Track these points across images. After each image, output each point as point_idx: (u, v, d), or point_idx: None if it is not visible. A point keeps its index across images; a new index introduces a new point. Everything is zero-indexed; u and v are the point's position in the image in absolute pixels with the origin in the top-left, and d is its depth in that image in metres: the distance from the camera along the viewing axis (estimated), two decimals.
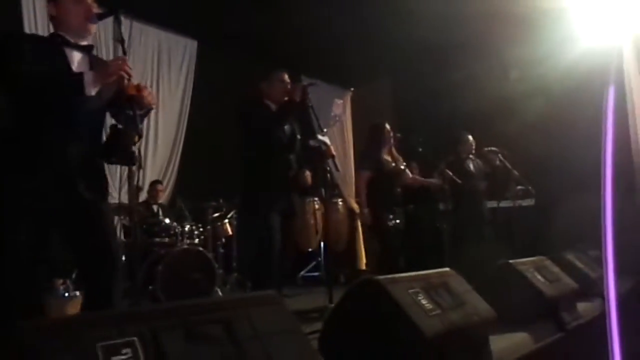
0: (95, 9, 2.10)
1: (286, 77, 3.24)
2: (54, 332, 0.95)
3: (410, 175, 4.41)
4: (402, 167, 4.29)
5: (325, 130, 3.21)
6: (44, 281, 3.18)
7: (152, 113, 5.21)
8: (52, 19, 2.11)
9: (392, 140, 4.24)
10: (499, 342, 2.12)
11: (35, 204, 1.91)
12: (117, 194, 2.85)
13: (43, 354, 0.90)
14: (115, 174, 4.24)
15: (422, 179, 4.55)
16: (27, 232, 1.91)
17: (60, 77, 1.95)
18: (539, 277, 2.80)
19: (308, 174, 3.31)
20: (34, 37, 2.19)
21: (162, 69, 5.81)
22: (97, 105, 2.04)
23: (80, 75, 1.92)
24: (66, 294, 3.43)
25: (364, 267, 7.16)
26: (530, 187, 5.12)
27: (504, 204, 5.35)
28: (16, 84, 1.93)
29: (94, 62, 2.14)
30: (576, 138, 4.44)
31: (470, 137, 4.94)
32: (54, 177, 1.95)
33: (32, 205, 1.91)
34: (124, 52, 2.01)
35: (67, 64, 2.03)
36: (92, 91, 1.92)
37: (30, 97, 1.93)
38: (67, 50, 2.05)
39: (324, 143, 3.12)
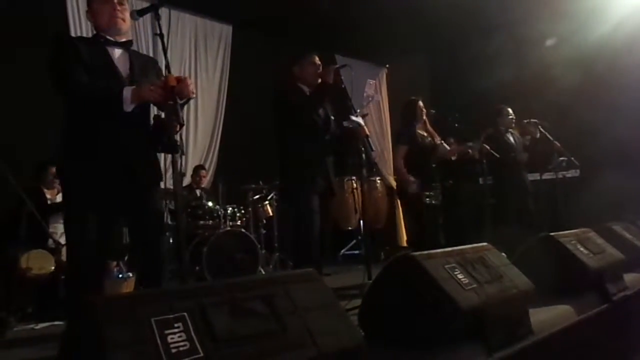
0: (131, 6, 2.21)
1: (317, 59, 3.26)
2: (113, 308, 1.04)
3: (448, 147, 4.37)
4: (438, 142, 4.26)
5: (358, 110, 3.22)
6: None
7: (192, 100, 5.35)
8: (92, 22, 2.29)
9: (425, 116, 4.22)
10: (539, 315, 2.11)
11: (96, 190, 2.09)
12: (163, 180, 3.00)
13: (107, 328, 0.99)
14: (160, 161, 4.42)
15: (459, 147, 4.48)
16: (93, 216, 2.09)
17: (100, 94, 2.11)
18: (582, 249, 2.76)
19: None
20: (81, 40, 2.34)
21: (200, 56, 5.92)
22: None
23: (119, 94, 2.07)
24: (120, 276, 3.63)
25: (404, 244, 7.18)
26: (573, 158, 4.98)
27: (546, 176, 5.23)
28: (60, 87, 2.13)
29: (133, 57, 2.29)
30: (619, 106, 4.28)
31: (510, 110, 4.84)
32: (109, 164, 2.12)
33: (94, 192, 2.09)
34: (164, 47, 2.10)
35: (112, 63, 2.19)
36: (130, 108, 2.09)
37: (76, 102, 2.15)
38: (110, 49, 2.21)
39: (358, 123, 3.14)
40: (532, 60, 5.21)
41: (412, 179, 4.03)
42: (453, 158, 4.41)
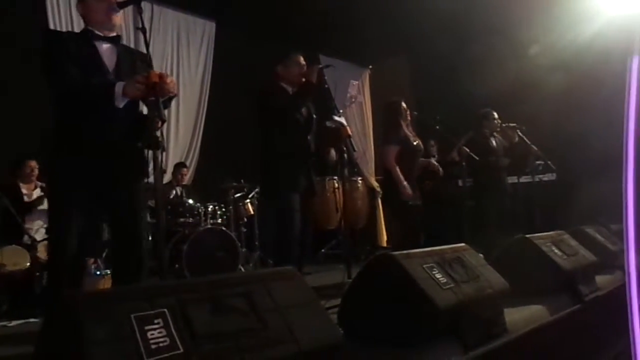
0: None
1: (302, 59, 3.27)
2: (93, 304, 1.04)
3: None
4: (421, 145, 4.30)
5: (341, 110, 3.24)
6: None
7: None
8: (82, 16, 2.29)
9: (409, 118, 4.24)
10: (513, 314, 2.17)
11: (83, 186, 2.10)
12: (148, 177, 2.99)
13: (84, 324, 0.99)
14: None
15: (429, 161, 4.50)
16: (78, 211, 2.10)
17: (92, 89, 2.12)
18: (557, 251, 2.83)
19: (333, 152, 3.33)
20: (69, 36, 2.34)
21: (182, 52, 5.87)
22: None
23: (111, 89, 2.08)
24: (97, 272, 3.59)
25: (384, 244, 7.24)
26: (550, 162, 5.08)
27: (524, 179, 5.33)
28: (56, 83, 2.14)
29: (121, 52, 2.30)
30: (597, 112, 4.38)
31: (496, 114, 4.87)
32: (97, 159, 2.12)
33: (81, 187, 2.10)
34: (146, 42, 2.09)
35: (98, 57, 2.20)
36: (121, 103, 2.10)
37: (67, 97, 2.15)
38: (97, 43, 2.22)
39: (341, 123, 3.16)
40: (513, 65, 5.29)
41: (406, 184, 3.89)
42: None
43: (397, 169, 3.94)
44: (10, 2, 4.41)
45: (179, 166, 5.50)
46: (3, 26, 4.21)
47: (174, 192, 5.35)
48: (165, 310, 1.11)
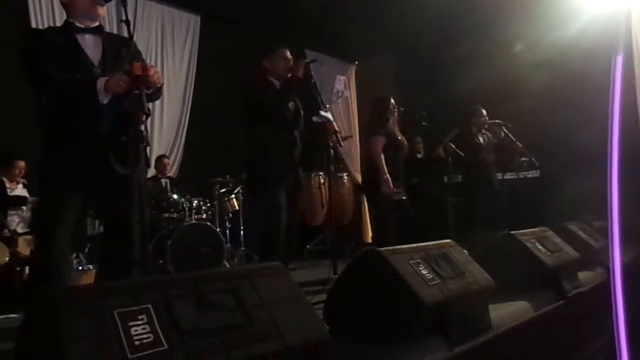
0: None
1: (288, 53, 3.24)
2: (74, 300, 1.02)
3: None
4: (405, 141, 4.31)
5: (327, 106, 3.23)
6: None
7: None
8: (64, 6, 2.24)
9: (395, 114, 4.25)
10: (498, 310, 2.18)
11: (70, 181, 2.07)
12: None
13: (65, 320, 0.97)
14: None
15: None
16: (66, 206, 2.07)
17: (74, 87, 2.08)
18: (540, 247, 2.85)
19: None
20: (50, 32, 2.29)
21: (166, 45, 5.81)
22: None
23: (93, 85, 2.03)
24: (80, 268, 3.54)
25: (370, 240, 7.26)
26: (534, 159, 5.13)
27: (508, 175, 5.38)
28: (38, 84, 2.14)
29: (106, 41, 2.24)
30: (582, 109, 4.43)
31: (484, 112, 4.89)
32: (84, 152, 2.08)
33: (68, 183, 2.07)
34: (130, 35, 2.05)
35: (80, 50, 2.16)
36: (105, 99, 2.06)
37: (49, 96, 2.15)
38: (79, 36, 2.17)
39: (327, 119, 3.15)
40: (499, 62, 5.33)
41: (387, 176, 3.93)
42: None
43: (383, 159, 3.95)
44: None
45: (161, 157, 5.45)
46: None
47: (159, 185, 5.28)
48: (150, 306, 1.09)
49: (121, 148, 2.18)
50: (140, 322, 1.04)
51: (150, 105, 2.04)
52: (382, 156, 3.97)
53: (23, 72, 2.10)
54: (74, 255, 3.54)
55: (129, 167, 2.19)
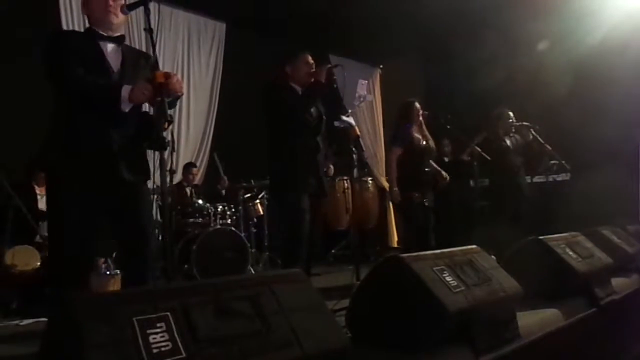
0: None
1: (310, 58, 3.23)
2: (94, 307, 1.02)
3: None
4: (432, 144, 4.26)
5: (350, 111, 3.21)
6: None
7: (184, 97, 5.33)
8: (87, 16, 2.27)
9: (421, 118, 4.21)
10: (527, 318, 2.12)
11: (82, 186, 2.07)
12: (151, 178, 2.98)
13: (84, 327, 0.97)
14: (149, 158, 4.39)
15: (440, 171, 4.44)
16: (80, 212, 2.07)
17: (99, 89, 2.09)
18: (571, 252, 2.77)
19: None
20: (74, 35, 2.32)
21: (192, 53, 5.88)
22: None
23: (118, 91, 2.05)
24: (107, 272, 3.60)
25: (395, 245, 7.19)
26: (564, 162, 5.00)
27: (537, 179, 5.25)
28: (60, 83, 2.12)
29: (126, 52, 2.26)
30: (611, 110, 4.30)
31: (511, 114, 4.80)
32: (96, 160, 2.09)
33: (80, 187, 2.07)
34: (152, 42, 2.08)
35: (103, 57, 2.17)
36: (127, 107, 2.08)
37: (73, 96, 2.12)
38: (101, 43, 2.19)
39: (349, 124, 3.13)
40: (525, 62, 5.22)
41: (395, 189, 4.07)
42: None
43: (395, 171, 4.07)
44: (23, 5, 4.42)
45: (189, 166, 5.50)
46: (22, 28, 4.20)
47: (186, 192, 5.35)
48: (168, 313, 1.09)
49: (134, 156, 2.20)
50: (158, 330, 1.05)
51: (171, 112, 2.05)
52: (396, 168, 4.08)
53: (46, 70, 2.11)
54: (102, 260, 3.60)
55: (139, 175, 2.21)
